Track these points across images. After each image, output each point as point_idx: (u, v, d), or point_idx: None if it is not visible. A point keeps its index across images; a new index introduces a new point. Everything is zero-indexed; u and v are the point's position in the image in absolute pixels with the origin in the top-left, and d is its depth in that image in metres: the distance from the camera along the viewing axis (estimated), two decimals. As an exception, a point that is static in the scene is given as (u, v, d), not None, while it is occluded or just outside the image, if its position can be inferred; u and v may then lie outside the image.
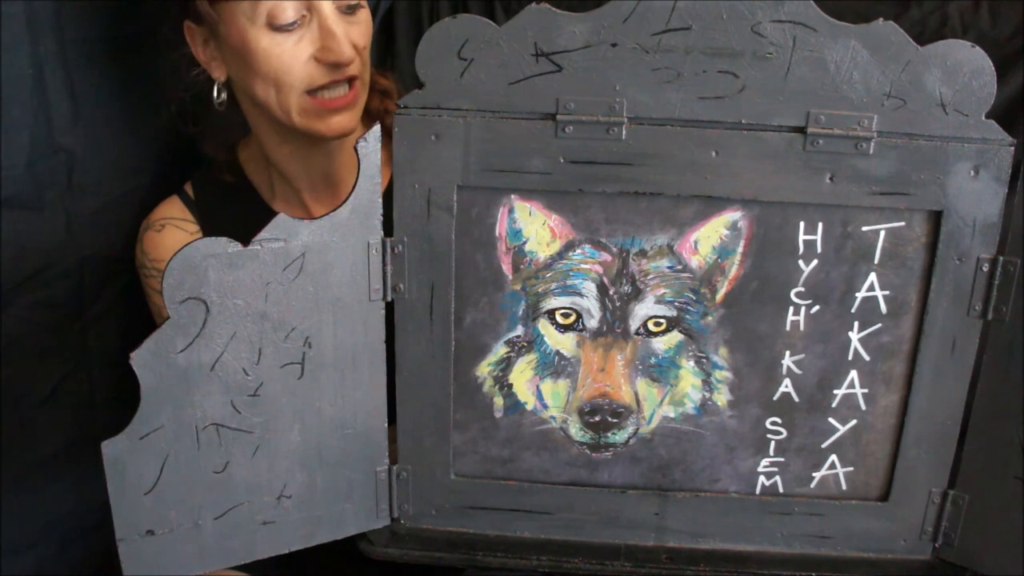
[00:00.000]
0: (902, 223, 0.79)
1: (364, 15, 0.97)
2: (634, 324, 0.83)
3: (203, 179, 1.09)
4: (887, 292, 0.81)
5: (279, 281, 0.77)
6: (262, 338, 0.78)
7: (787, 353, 0.83)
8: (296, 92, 0.94)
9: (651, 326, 0.83)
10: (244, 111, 1.02)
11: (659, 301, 0.82)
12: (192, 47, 0.98)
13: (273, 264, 0.77)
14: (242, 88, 0.98)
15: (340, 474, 0.85)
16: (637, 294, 0.82)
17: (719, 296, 0.82)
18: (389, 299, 0.82)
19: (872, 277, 0.80)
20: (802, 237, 0.80)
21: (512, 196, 0.80)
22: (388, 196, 0.78)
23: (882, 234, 0.79)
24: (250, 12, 0.91)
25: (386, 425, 0.86)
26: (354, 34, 0.94)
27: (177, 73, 1.00)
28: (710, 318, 0.82)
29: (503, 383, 0.85)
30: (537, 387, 0.85)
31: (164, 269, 0.74)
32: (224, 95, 1.00)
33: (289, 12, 0.91)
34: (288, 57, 0.92)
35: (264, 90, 0.94)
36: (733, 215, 0.80)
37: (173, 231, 1.05)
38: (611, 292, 0.82)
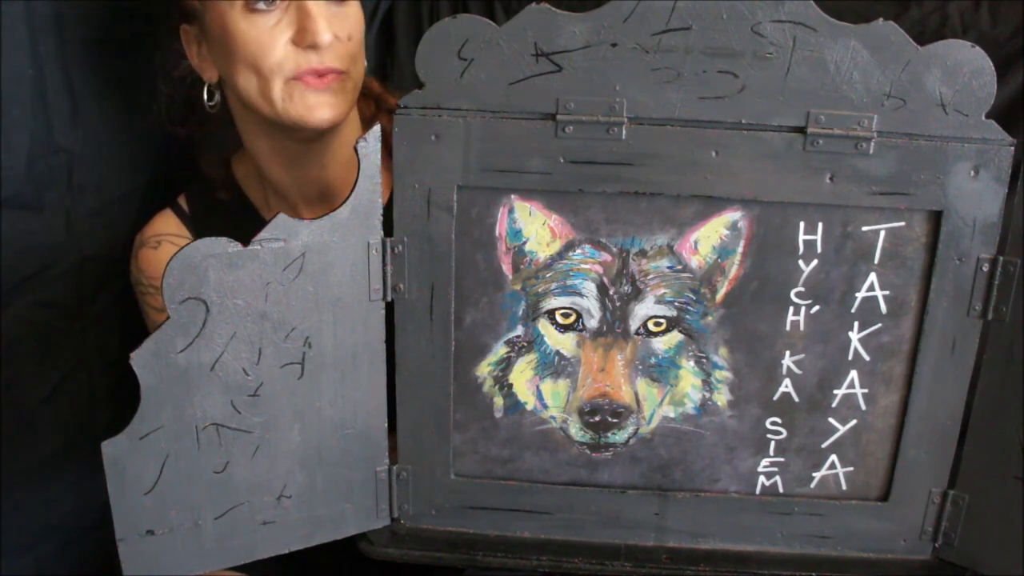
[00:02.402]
0: (902, 223, 0.79)
1: (352, 8, 0.95)
2: (634, 324, 0.83)
3: (198, 194, 1.07)
4: (887, 292, 0.81)
5: (279, 281, 0.77)
6: (262, 338, 0.78)
7: (787, 353, 0.83)
8: (276, 79, 0.92)
9: (651, 326, 0.83)
10: (236, 119, 1.01)
11: (659, 301, 0.82)
12: (187, 52, 0.98)
13: (273, 264, 0.77)
14: (231, 87, 0.97)
15: (340, 474, 0.85)
16: (637, 294, 0.82)
17: (719, 296, 0.82)
18: (389, 299, 0.82)
19: (872, 277, 0.80)
20: (802, 237, 0.80)
21: (512, 196, 0.80)
22: (389, 203, 0.78)
23: (882, 234, 0.79)
24: None
25: (386, 424, 0.86)
26: (337, 24, 0.92)
27: (164, 66, 1.00)
28: (710, 318, 0.82)
29: (503, 383, 0.85)
30: (537, 387, 0.85)
31: (164, 270, 0.74)
32: (217, 97, 0.99)
33: None
34: (266, 39, 0.90)
35: (246, 80, 0.93)
36: (733, 215, 0.80)
37: (170, 248, 1.03)
38: (611, 292, 0.82)
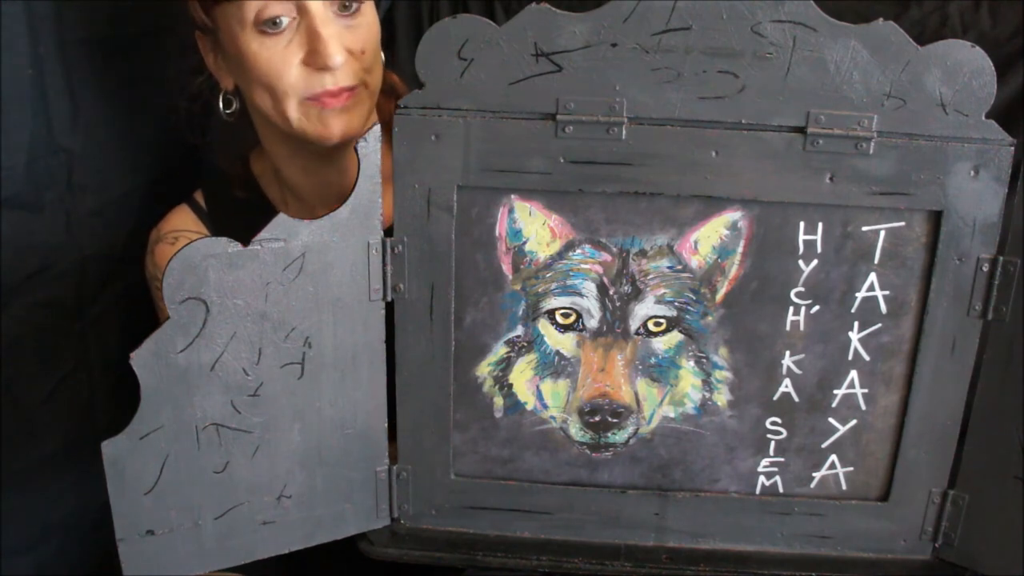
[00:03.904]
0: (902, 223, 0.79)
1: (365, 18, 0.93)
2: (634, 324, 0.83)
3: (215, 190, 1.06)
4: (887, 292, 0.81)
5: (279, 281, 0.77)
6: (262, 338, 0.78)
7: (787, 353, 0.83)
8: (291, 99, 0.91)
9: (651, 326, 0.83)
10: (254, 124, 1.01)
11: (659, 301, 0.82)
12: (204, 57, 0.97)
13: (273, 264, 0.77)
14: (248, 98, 0.96)
15: (340, 474, 0.85)
16: (637, 294, 0.82)
17: (719, 296, 0.82)
18: (389, 299, 0.82)
19: (872, 277, 0.80)
20: (802, 237, 0.80)
21: (512, 196, 0.80)
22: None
23: (882, 234, 0.79)
24: (239, 15, 0.89)
25: (386, 425, 0.86)
26: (350, 38, 0.91)
27: (182, 81, 1.00)
28: (710, 318, 0.82)
29: (503, 383, 0.85)
30: (537, 387, 0.85)
31: (164, 270, 0.74)
32: (235, 105, 0.98)
33: (274, 9, 0.88)
34: (278, 61, 0.89)
35: (261, 98, 0.92)
36: (733, 215, 0.80)
37: None
38: (611, 292, 0.82)
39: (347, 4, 0.91)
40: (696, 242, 0.80)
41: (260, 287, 0.77)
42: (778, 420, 0.85)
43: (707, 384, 0.84)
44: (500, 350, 0.84)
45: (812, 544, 0.88)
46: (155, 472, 0.78)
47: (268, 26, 0.88)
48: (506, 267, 0.82)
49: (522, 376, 0.85)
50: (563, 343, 0.84)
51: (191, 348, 0.76)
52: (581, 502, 0.88)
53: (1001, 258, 0.78)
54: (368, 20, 0.94)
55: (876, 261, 0.80)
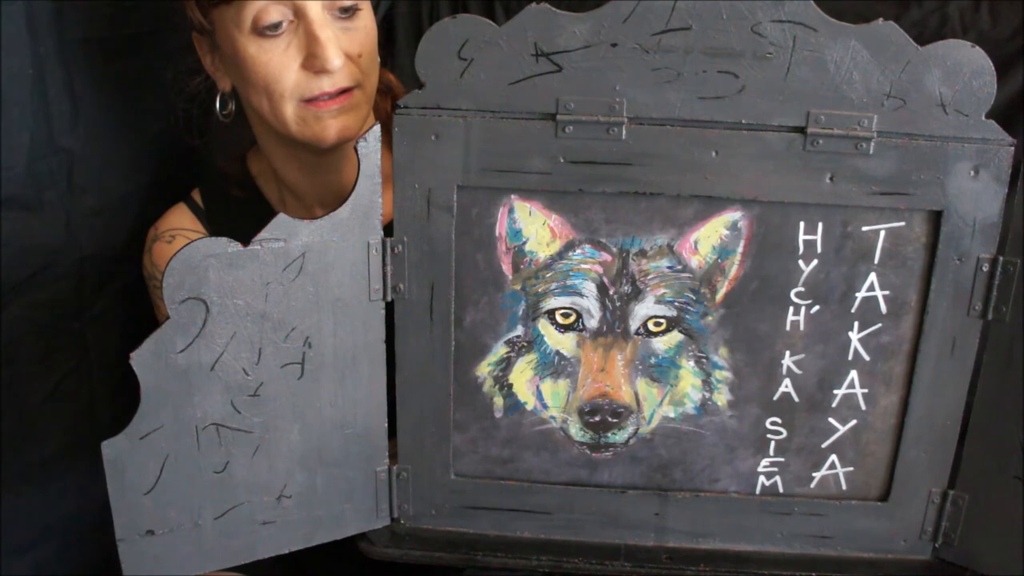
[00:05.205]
0: (902, 223, 0.79)
1: (363, 21, 0.93)
2: (634, 324, 0.83)
3: (213, 189, 1.07)
4: (887, 292, 0.81)
5: (279, 281, 0.77)
6: (262, 338, 0.78)
7: (787, 353, 0.83)
8: (289, 102, 0.91)
9: (651, 326, 0.83)
10: (251, 124, 1.01)
11: (659, 301, 0.82)
12: (202, 58, 0.97)
13: (273, 264, 0.77)
14: (245, 100, 0.96)
15: (340, 474, 0.85)
16: (637, 294, 0.82)
17: (719, 296, 0.82)
18: (389, 299, 0.82)
19: (872, 277, 0.80)
20: (802, 237, 0.80)
21: (512, 196, 0.80)
22: None
23: (882, 234, 0.79)
24: (237, 18, 0.88)
25: (386, 424, 0.86)
26: (347, 41, 0.91)
27: (180, 82, 1.00)
28: (710, 318, 0.82)
29: (503, 383, 0.85)
30: (537, 387, 0.85)
31: (164, 270, 0.74)
32: (231, 106, 0.99)
33: (272, 15, 0.88)
34: (276, 65, 0.89)
35: (259, 100, 0.92)
36: (733, 215, 0.80)
37: (184, 243, 1.03)
38: (611, 292, 0.82)
39: (345, 7, 0.90)
40: (696, 242, 0.80)
41: (260, 287, 0.77)
42: (778, 420, 0.85)
43: (707, 384, 0.84)
44: (500, 350, 0.84)
45: (812, 544, 0.88)
46: (155, 472, 0.78)
47: (267, 30, 0.88)
48: (506, 267, 0.82)
49: (522, 376, 0.85)
50: (563, 343, 0.84)
51: (191, 348, 0.76)
52: (581, 502, 0.88)
53: (1001, 258, 0.78)
54: (366, 23, 0.93)
55: (876, 261, 0.80)
